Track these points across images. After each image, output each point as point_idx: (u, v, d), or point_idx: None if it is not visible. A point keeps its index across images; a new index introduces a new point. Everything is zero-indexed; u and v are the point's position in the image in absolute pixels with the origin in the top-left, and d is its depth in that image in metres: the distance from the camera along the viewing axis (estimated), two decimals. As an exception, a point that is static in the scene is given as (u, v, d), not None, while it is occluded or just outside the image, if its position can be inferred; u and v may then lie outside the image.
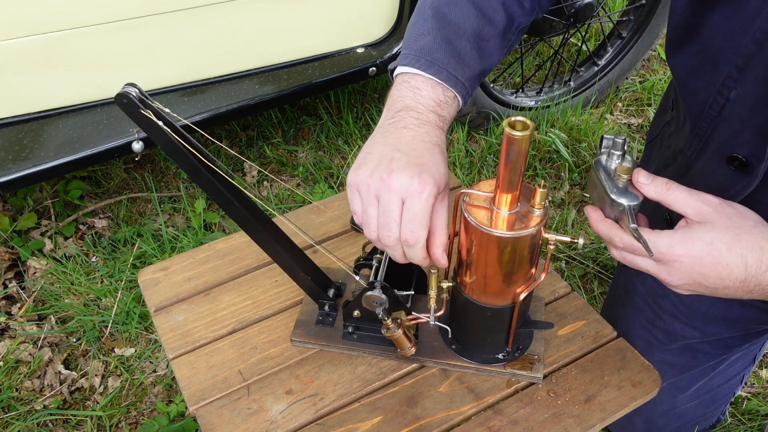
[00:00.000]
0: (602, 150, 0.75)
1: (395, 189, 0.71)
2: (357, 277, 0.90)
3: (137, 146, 0.74)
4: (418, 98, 0.81)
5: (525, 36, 2.31)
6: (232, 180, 0.80)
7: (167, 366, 1.71)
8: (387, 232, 0.72)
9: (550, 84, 2.43)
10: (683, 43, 0.84)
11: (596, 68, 2.44)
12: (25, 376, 1.69)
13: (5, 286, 1.89)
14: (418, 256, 0.74)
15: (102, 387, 1.68)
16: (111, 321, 1.79)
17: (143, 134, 0.73)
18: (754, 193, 0.81)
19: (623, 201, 0.71)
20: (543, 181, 0.73)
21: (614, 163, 0.74)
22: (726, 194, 0.80)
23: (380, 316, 0.85)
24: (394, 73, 0.86)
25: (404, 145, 0.74)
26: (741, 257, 0.69)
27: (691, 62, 0.84)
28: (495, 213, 0.73)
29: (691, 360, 1.15)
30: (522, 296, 0.80)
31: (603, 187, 0.73)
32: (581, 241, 0.76)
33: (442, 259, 0.75)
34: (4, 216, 2.03)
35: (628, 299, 1.17)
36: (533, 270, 0.80)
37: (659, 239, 0.71)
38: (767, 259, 0.68)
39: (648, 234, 0.71)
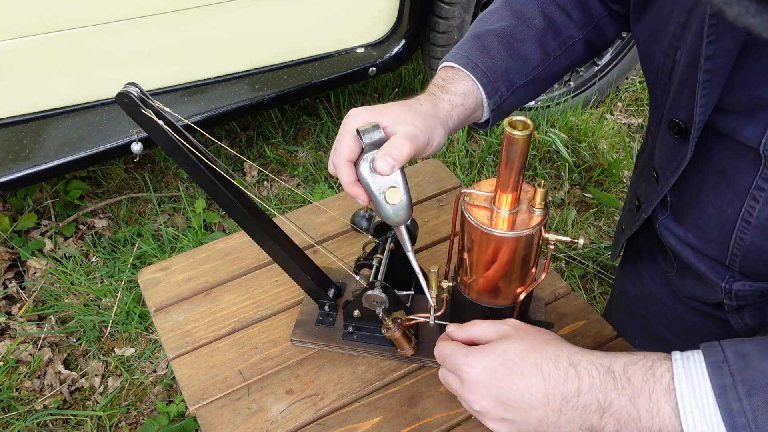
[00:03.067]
0: (365, 158, 0.73)
1: (351, 116, 0.76)
2: (357, 277, 0.90)
3: (136, 147, 0.74)
4: (432, 81, 0.85)
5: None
6: (233, 180, 0.80)
7: (167, 366, 1.71)
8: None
9: (550, 84, 2.44)
10: (645, 6, 0.82)
11: (596, 68, 2.44)
12: (25, 376, 1.69)
13: (5, 286, 1.89)
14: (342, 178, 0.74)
15: (102, 387, 1.68)
16: (111, 321, 1.79)
17: (143, 135, 0.73)
18: (695, 178, 0.80)
19: (397, 221, 0.73)
20: (543, 181, 0.73)
21: (378, 176, 0.72)
22: (671, 165, 0.80)
23: (380, 315, 0.85)
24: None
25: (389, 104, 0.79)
26: (536, 365, 0.65)
27: (649, 26, 0.82)
28: (495, 213, 0.73)
29: None
30: (522, 296, 0.80)
31: (374, 199, 0.73)
32: (581, 241, 0.76)
33: (379, 161, 0.71)
34: (4, 216, 2.03)
35: (621, 302, 1.17)
36: (533, 270, 0.79)
37: (459, 352, 0.70)
38: (564, 368, 0.64)
39: (453, 346, 0.72)
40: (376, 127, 0.72)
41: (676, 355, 0.64)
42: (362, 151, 0.73)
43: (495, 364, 0.67)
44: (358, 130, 0.72)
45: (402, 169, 0.72)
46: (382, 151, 0.71)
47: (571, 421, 0.64)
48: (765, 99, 0.66)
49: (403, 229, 0.76)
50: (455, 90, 0.84)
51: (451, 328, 0.75)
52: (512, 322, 0.72)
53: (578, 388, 0.63)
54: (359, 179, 0.73)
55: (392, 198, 0.72)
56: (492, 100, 0.86)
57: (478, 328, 0.73)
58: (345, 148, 0.73)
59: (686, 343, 1.08)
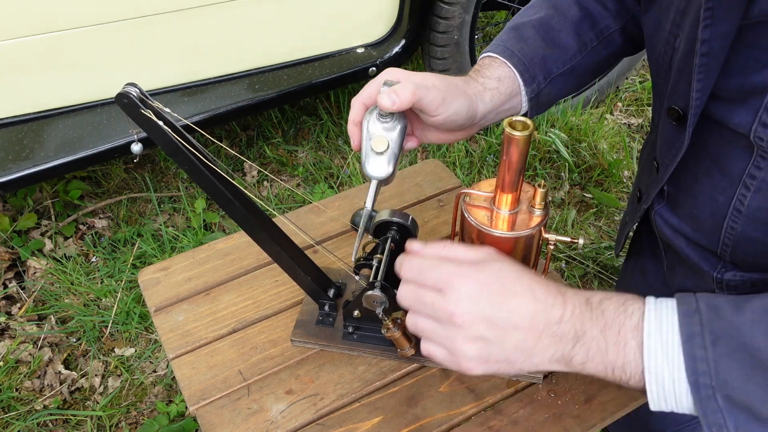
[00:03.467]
0: (375, 112, 0.77)
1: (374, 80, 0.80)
2: (357, 277, 0.90)
3: (136, 148, 0.74)
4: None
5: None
6: (233, 180, 0.80)
7: (167, 366, 1.71)
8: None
9: (550, 84, 2.44)
10: None
11: (596, 68, 2.44)
12: (25, 376, 1.69)
13: (5, 286, 1.89)
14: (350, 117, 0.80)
15: (102, 387, 1.68)
16: (111, 321, 1.79)
17: (142, 135, 0.73)
18: (691, 166, 0.80)
19: (372, 174, 0.76)
20: (543, 181, 0.73)
21: (379, 126, 0.76)
22: (670, 153, 0.80)
23: (380, 316, 0.85)
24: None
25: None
26: (529, 287, 0.64)
27: (654, 15, 0.83)
28: (495, 213, 0.74)
29: None
30: (522, 296, 0.80)
31: (364, 146, 0.77)
32: (581, 241, 0.76)
33: (383, 96, 0.74)
34: (4, 216, 2.03)
35: None
36: (533, 270, 0.80)
37: (448, 264, 0.66)
38: (553, 294, 0.64)
39: (434, 260, 0.67)
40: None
41: (650, 298, 0.64)
42: None
43: (490, 280, 0.65)
44: (385, 81, 0.76)
45: (402, 133, 0.76)
46: (392, 88, 0.74)
47: (545, 349, 0.64)
48: (757, 85, 0.66)
49: (374, 185, 0.77)
50: (490, 74, 0.85)
51: (416, 246, 0.70)
52: (490, 248, 0.69)
53: (561, 316, 0.63)
54: (362, 121, 0.78)
55: (377, 145, 0.74)
56: (530, 88, 0.86)
57: (453, 249, 0.68)
58: (365, 92, 0.78)
59: None
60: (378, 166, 0.75)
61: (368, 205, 0.77)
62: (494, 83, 0.85)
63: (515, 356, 0.64)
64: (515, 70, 0.86)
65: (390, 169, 0.75)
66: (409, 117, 0.82)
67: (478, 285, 0.64)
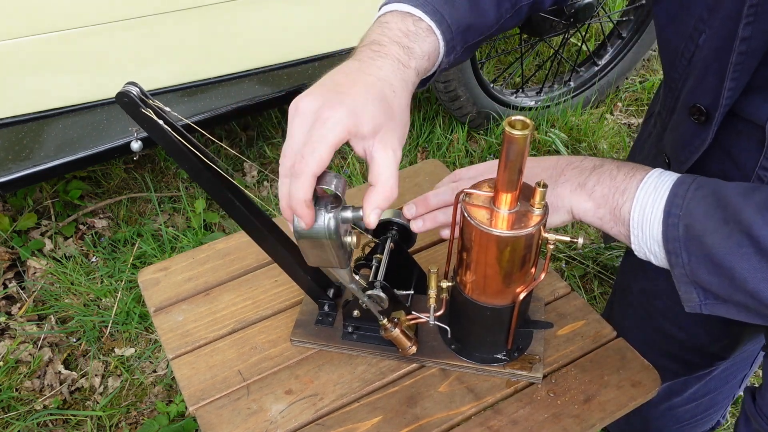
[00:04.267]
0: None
1: (302, 112, 0.64)
2: (357, 277, 0.90)
3: (136, 145, 0.74)
4: (384, 31, 0.74)
5: (525, 36, 2.31)
6: (233, 180, 0.80)
7: (167, 366, 1.71)
8: (282, 158, 0.64)
9: (550, 84, 2.43)
10: None
11: (596, 68, 2.44)
12: (25, 376, 1.69)
13: (5, 286, 1.89)
14: (297, 194, 0.62)
15: (102, 387, 1.68)
16: (111, 321, 1.79)
17: (142, 134, 0.73)
18: (703, 159, 0.81)
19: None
20: (543, 181, 0.73)
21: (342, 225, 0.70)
22: (686, 150, 0.81)
23: (364, 306, 0.85)
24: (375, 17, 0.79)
25: (343, 74, 0.68)
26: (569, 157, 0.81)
27: (670, 8, 0.82)
28: (495, 212, 0.73)
29: (682, 367, 1.15)
30: (522, 296, 0.80)
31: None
32: (581, 240, 0.76)
33: (371, 215, 0.65)
34: (4, 216, 2.03)
35: (624, 298, 1.17)
36: (533, 270, 0.79)
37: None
38: (577, 155, 0.79)
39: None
40: (338, 177, 0.66)
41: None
42: (328, 199, 0.68)
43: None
44: (322, 189, 0.66)
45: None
46: (371, 201, 0.66)
47: (568, 180, 0.77)
48: None
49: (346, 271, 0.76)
50: (421, 52, 0.74)
51: (431, 198, 0.85)
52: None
53: (584, 158, 0.79)
54: (314, 225, 0.67)
55: (353, 241, 0.74)
56: (447, 59, 0.79)
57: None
58: (316, 161, 0.62)
59: (690, 337, 1.08)
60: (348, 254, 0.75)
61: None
62: (425, 63, 0.75)
63: (547, 176, 0.78)
64: (441, 41, 0.76)
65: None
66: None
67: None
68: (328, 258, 0.72)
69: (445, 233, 0.82)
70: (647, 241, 0.72)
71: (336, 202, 0.68)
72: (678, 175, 0.71)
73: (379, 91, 0.67)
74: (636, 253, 0.74)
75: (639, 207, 0.71)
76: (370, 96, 0.65)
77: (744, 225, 0.62)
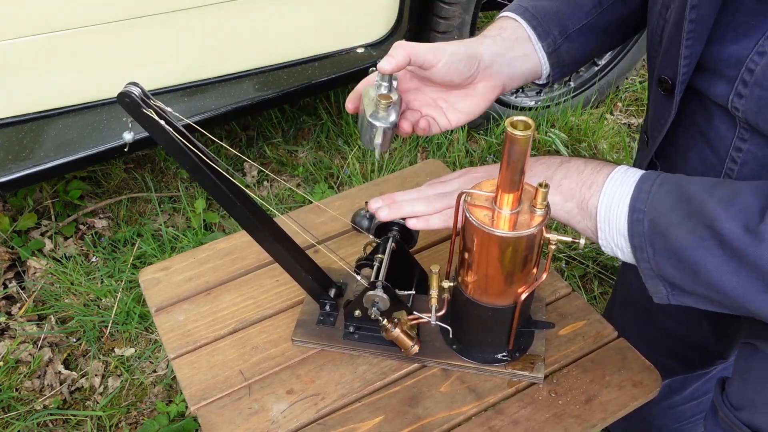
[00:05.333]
0: (375, 83, 0.80)
1: None
2: (358, 277, 0.90)
3: (128, 136, 0.73)
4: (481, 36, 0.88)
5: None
6: (234, 179, 0.80)
7: (167, 366, 1.71)
8: None
9: (550, 84, 2.43)
10: None
11: (596, 68, 2.44)
12: (25, 376, 1.69)
13: (5, 286, 1.89)
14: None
15: (102, 387, 1.68)
16: (111, 321, 1.79)
17: (137, 127, 0.72)
18: (672, 131, 0.82)
19: (377, 123, 0.79)
20: (544, 181, 0.73)
21: (374, 93, 0.80)
22: (659, 124, 0.83)
23: (372, 316, 0.85)
24: None
25: None
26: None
27: None
28: (496, 213, 0.73)
29: (682, 365, 1.15)
30: (523, 296, 0.80)
31: (364, 112, 0.80)
32: (582, 241, 0.76)
33: (384, 60, 0.78)
34: (4, 216, 2.03)
35: (625, 297, 1.17)
36: (535, 270, 0.79)
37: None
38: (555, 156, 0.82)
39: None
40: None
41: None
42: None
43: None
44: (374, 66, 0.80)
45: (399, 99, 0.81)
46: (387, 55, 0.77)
47: (535, 176, 0.79)
48: (733, 56, 0.68)
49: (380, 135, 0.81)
50: (490, 27, 0.85)
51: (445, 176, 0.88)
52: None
53: (554, 155, 0.81)
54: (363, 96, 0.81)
55: (384, 99, 0.79)
56: (545, 42, 0.86)
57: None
58: (365, 80, 0.83)
59: (692, 333, 1.09)
60: (386, 116, 0.79)
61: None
62: (494, 31, 0.85)
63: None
64: (526, 25, 0.85)
65: (395, 118, 0.80)
66: (424, 100, 0.85)
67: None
68: (365, 124, 0.80)
69: (411, 222, 0.84)
70: (614, 235, 0.73)
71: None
72: (643, 171, 0.73)
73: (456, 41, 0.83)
74: (603, 248, 0.76)
75: (606, 201, 0.73)
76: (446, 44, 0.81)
77: (707, 219, 0.64)
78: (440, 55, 0.78)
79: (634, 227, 0.70)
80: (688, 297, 0.70)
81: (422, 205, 0.82)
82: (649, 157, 0.88)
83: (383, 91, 0.79)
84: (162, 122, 0.71)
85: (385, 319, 0.85)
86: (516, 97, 2.35)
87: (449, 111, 0.85)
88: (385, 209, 0.83)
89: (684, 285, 0.69)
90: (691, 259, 0.65)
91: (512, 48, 0.85)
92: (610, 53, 2.44)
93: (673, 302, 0.72)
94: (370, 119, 0.79)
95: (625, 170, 0.74)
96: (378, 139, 0.79)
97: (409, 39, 2.02)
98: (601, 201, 0.73)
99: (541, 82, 0.92)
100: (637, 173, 0.72)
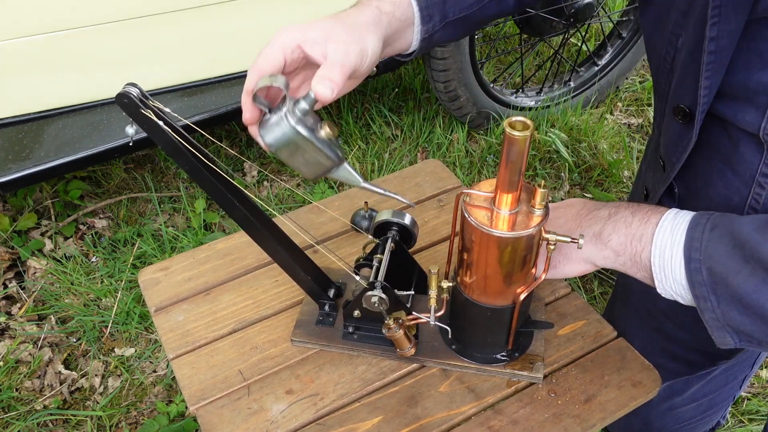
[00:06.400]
0: (274, 86, 0.68)
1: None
2: (357, 277, 0.90)
3: (131, 130, 0.73)
4: None
5: (525, 36, 2.31)
6: (233, 180, 0.80)
7: (167, 366, 1.71)
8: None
9: (550, 84, 2.43)
10: None
11: (596, 68, 2.44)
12: (25, 376, 1.69)
13: (5, 286, 1.89)
14: (245, 87, 0.70)
15: (102, 387, 1.68)
16: (111, 321, 1.79)
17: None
18: (691, 156, 0.82)
19: (337, 160, 0.70)
20: (543, 181, 0.73)
21: (300, 109, 0.68)
22: (677, 151, 0.82)
23: (380, 310, 0.84)
24: None
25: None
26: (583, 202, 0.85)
27: (653, 16, 0.83)
28: (495, 213, 0.73)
29: (683, 366, 1.15)
30: (522, 296, 0.80)
31: (297, 134, 0.68)
32: (581, 241, 0.76)
33: (317, 86, 0.67)
34: (4, 216, 2.03)
35: (626, 298, 1.17)
36: (533, 270, 0.80)
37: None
38: (593, 203, 0.83)
39: None
40: (277, 77, 0.69)
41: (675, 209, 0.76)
42: (281, 101, 0.69)
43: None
44: (270, 75, 0.69)
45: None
46: (319, 74, 0.67)
47: (585, 229, 0.80)
48: (762, 83, 0.67)
49: (347, 165, 0.73)
50: (393, 10, 0.78)
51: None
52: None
53: (600, 205, 0.82)
54: (280, 133, 0.68)
55: (328, 131, 0.69)
56: (425, 27, 0.82)
57: None
58: (263, 60, 0.71)
59: (692, 337, 1.09)
60: (334, 147, 0.71)
61: (360, 180, 0.74)
62: (389, 6, 0.78)
63: (571, 225, 0.81)
64: (416, 5, 0.80)
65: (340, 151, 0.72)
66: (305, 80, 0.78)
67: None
68: (317, 159, 0.70)
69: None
70: (671, 284, 0.73)
71: (283, 101, 0.69)
72: (692, 213, 0.72)
73: (335, 18, 0.74)
74: (662, 294, 0.75)
75: (658, 252, 0.72)
76: (327, 19, 0.74)
77: (764, 261, 0.63)
78: (364, 59, 0.73)
79: (693, 278, 0.69)
80: (758, 344, 0.70)
81: None
82: (667, 182, 0.87)
83: (283, 88, 0.67)
84: (160, 123, 0.71)
85: (391, 318, 0.85)
86: (516, 97, 2.35)
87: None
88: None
89: (753, 332, 0.68)
90: (756, 303, 0.65)
91: (398, 31, 0.81)
92: (610, 53, 2.44)
93: (742, 347, 0.72)
94: (326, 162, 0.70)
95: (674, 216, 0.73)
96: (343, 173, 0.72)
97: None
98: (654, 253, 0.73)
99: (397, 58, 0.88)
100: (686, 219, 0.71)
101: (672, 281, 0.72)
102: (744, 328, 0.68)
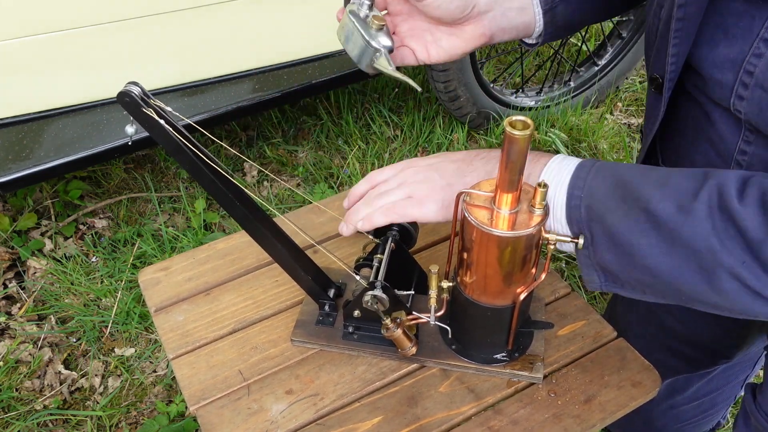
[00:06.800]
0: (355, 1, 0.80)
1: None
2: (357, 277, 0.90)
3: (130, 129, 0.73)
4: None
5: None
6: (234, 179, 0.80)
7: (167, 366, 1.71)
8: None
9: (550, 84, 2.43)
10: None
11: (596, 68, 2.44)
12: (25, 376, 1.69)
13: (5, 286, 1.89)
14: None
15: (102, 387, 1.68)
16: (111, 321, 1.79)
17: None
18: (676, 136, 0.82)
19: (380, 44, 0.79)
20: (543, 181, 0.73)
21: (364, 13, 0.80)
22: (650, 121, 0.83)
23: (377, 310, 0.85)
24: None
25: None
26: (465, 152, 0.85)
27: None
28: (495, 212, 0.73)
29: (685, 364, 1.15)
30: (522, 296, 0.80)
31: (360, 33, 0.79)
32: (581, 240, 0.75)
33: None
34: (4, 216, 2.03)
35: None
36: (533, 270, 0.79)
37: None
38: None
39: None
40: None
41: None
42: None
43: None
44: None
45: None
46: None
47: (477, 170, 0.80)
48: (728, 58, 0.68)
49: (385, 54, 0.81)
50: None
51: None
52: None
53: (490, 150, 0.82)
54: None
55: (377, 20, 0.78)
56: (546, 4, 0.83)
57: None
58: None
59: (694, 333, 1.09)
60: (383, 39, 0.79)
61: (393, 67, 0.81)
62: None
63: (454, 179, 0.81)
64: None
65: (390, 42, 0.80)
66: (409, 29, 0.84)
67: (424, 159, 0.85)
68: (361, 43, 0.80)
69: (359, 225, 0.86)
70: (552, 223, 0.74)
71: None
72: (580, 159, 0.73)
73: None
74: (549, 243, 0.76)
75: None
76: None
77: (642, 201, 0.65)
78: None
79: (572, 214, 0.71)
80: (621, 286, 0.72)
81: (364, 207, 0.85)
82: (644, 152, 0.88)
83: (365, 9, 0.79)
84: (162, 122, 0.71)
85: (388, 318, 0.85)
86: (516, 97, 2.35)
87: (431, 45, 0.84)
88: (343, 227, 0.86)
89: (619, 272, 0.70)
90: (627, 242, 0.66)
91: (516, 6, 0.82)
92: (610, 53, 2.44)
93: (605, 290, 0.73)
94: (369, 41, 0.79)
95: (562, 158, 0.75)
96: (383, 63, 0.79)
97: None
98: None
99: (530, 42, 0.89)
100: (574, 162, 0.73)
101: (553, 220, 0.73)
102: (611, 267, 0.70)
